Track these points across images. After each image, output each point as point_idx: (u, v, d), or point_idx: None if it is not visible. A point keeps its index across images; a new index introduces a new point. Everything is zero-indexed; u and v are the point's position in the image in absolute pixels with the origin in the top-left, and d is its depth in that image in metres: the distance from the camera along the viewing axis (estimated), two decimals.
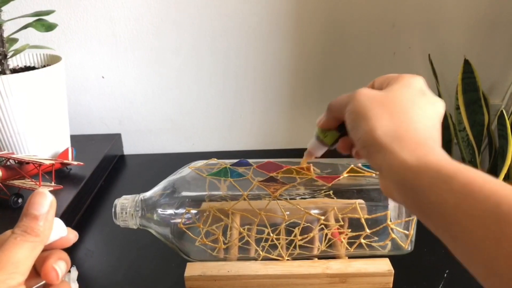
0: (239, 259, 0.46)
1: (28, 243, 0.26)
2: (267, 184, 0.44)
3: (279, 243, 0.45)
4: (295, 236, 0.45)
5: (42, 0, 0.77)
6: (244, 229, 0.44)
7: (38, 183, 0.58)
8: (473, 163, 0.83)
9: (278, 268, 0.45)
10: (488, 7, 0.82)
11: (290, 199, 0.44)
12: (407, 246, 0.46)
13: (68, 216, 0.60)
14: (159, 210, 0.45)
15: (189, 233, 0.44)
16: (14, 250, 0.25)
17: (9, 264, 0.24)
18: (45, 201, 0.27)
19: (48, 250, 0.28)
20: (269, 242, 0.45)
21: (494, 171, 0.85)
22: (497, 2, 0.82)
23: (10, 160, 0.60)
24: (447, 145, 0.88)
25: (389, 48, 0.85)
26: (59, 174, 0.67)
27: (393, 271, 0.45)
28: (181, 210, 0.44)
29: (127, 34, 0.80)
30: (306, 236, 0.45)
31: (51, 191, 0.60)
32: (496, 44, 0.86)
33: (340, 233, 0.46)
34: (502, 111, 0.74)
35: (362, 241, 0.45)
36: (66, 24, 0.79)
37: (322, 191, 0.45)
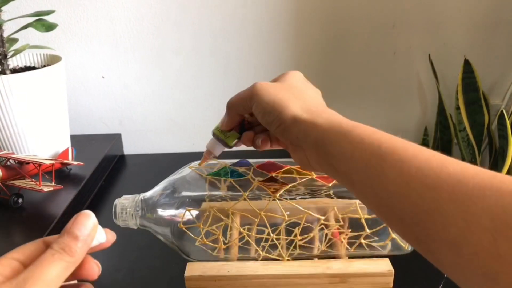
0: (239, 259, 0.46)
1: (63, 262, 0.26)
2: (268, 184, 0.44)
3: (279, 243, 0.45)
4: (295, 236, 0.44)
5: (42, 0, 0.77)
6: (244, 229, 0.44)
7: (38, 183, 0.58)
8: (473, 163, 0.83)
9: (279, 268, 0.45)
10: (489, 7, 0.82)
11: (290, 199, 0.44)
12: (408, 246, 0.46)
13: (68, 216, 0.60)
14: (159, 210, 0.45)
15: (189, 233, 0.44)
16: (48, 267, 0.25)
17: (40, 281, 0.24)
18: (88, 223, 0.28)
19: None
20: (269, 242, 0.45)
21: (494, 171, 0.85)
22: (497, 2, 0.82)
23: (10, 160, 0.60)
24: (447, 145, 0.87)
25: (390, 48, 0.85)
26: (59, 174, 0.67)
27: (393, 271, 0.45)
28: (181, 210, 0.44)
29: (127, 34, 0.80)
30: (306, 236, 0.45)
31: (51, 191, 0.60)
32: (496, 44, 0.86)
33: (340, 233, 0.46)
34: (502, 111, 0.74)
35: (362, 241, 0.45)
36: (66, 24, 0.79)
37: (322, 191, 0.45)
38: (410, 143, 0.29)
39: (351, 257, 0.46)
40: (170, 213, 0.45)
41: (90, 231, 0.28)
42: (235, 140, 0.41)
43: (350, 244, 0.46)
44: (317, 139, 0.33)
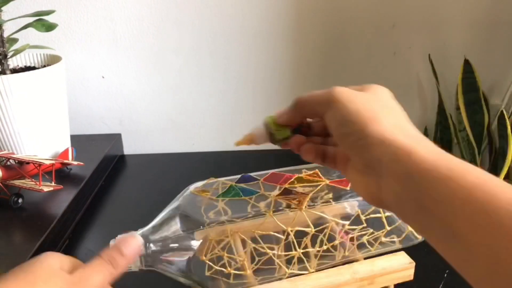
0: (264, 282, 0.43)
1: (107, 271, 0.31)
2: (287, 197, 0.42)
3: (306, 257, 0.43)
4: (320, 246, 0.43)
5: (42, 0, 0.77)
6: (265, 249, 0.41)
7: (38, 183, 0.58)
8: (473, 163, 0.83)
9: (308, 283, 0.43)
10: (488, 8, 0.82)
11: (309, 207, 0.42)
12: (420, 236, 0.46)
13: (68, 216, 0.60)
14: (171, 245, 0.40)
15: (211, 263, 0.40)
16: (96, 271, 0.30)
17: (89, 284, 0.30)
18: (135, 245, 0.34)
19: None
20: (295, 258, 0.42)
21: (494, 171, 0.85)
22: (497, 3, 0.82)
23: (10, 160, 0.60)
24: (447, 145, 0.87)
25: (390, 48, 0.85)
26: (59, 174, 0.67)
27: (414, 263, 0.45)
28: (195, 241, 0.40)
29: (127, 34, 0.80)
30: (331, 244, 0.44)
31: (51, 191, 0.60)
32: (496, 45, 0.86)
33: (362, 235, 0.45)
34: (502, 111, 0.74)
35: (383, 239, 0.45)
36: (66, 24, 0.79)
37: (342, 197, 0.45)
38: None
39: (366, 257, 0.46)
40: (184, 245, 0.40)
41: (134, 252, 0.33)
42: (284, 138, 0.36)
43: (365, 244, 0.45)
44: (411, 170, 0.26)
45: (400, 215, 0.28)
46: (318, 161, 0.35)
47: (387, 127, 0.28)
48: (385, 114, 0.30)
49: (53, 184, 0.61)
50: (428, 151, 0.26)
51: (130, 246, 0.33)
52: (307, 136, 0.37)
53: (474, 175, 0.24)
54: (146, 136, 0.90)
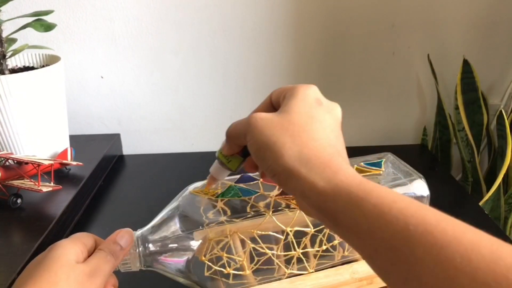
0: (263, 282, 0.43)
1: (111, 263, 0.34)
2: (286, 197, 0.42)
3: (305, 257, 0.43)
4: (320, 246, 0.43)
5: (41, 0, 0.77)
6: (263, 249, 0.41)
7: (37, 183, 0.58)
8: (472, 163, 0.83)
9: (307, 283, 0.43)
10: (488, 8, 0.82)
11: None
12: None
13: (67, 216, 0.59)
14: (170, 245, 0.40)
15: (211, 264, 0.40)
16: (104, 261, 0.34)
17: (103, 274, 0.33)
18: (130, 239, 0.37)
19: None
20: (295, 258, 0.42)
21: (493, 171, 0.85)
22: (496, 3, 0.82)
23: (9, 160, 0.60)
24: (446, 145, 0.88)
25: (389, 48, 0.85)
26: (58, 174, 0.67)
27: None
28: (195, 242, 0.40)
29: (126, 34, 0.80)
30: (330, 244, 0.44)
31: (50, 191, 0.60)
32: (495, 44, 0.86)
33: None
34: (501, 111, 0.74)
35: None
36: (65, 24, 0.79)
37: None
38: (444, 217, 0.23)
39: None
40: (184, 246, 0.40)
41: (129, 245, 0.37)
42: (239, 165, 0.37)
43: None
44: (318, 205, 0.27)
45: None
46: None
47: (291, 161, 0.28)
48: (290, 143, 0.29)
49: (52, 184, 0.60)
50: (328, 182, 0.27)
51: (126, 240, 0.36)
52: None
53: (371, 201, 0.25)
54: (145, 136, 0.90)
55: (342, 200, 0.26)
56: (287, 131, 0.29)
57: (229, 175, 0.40)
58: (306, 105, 0.31)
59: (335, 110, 0.33)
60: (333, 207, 0.26)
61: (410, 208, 0.23)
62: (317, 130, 0.30)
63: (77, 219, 0.63)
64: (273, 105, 0.35)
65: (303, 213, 0.41)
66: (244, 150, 0.36)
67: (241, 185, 0.44)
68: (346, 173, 0.27)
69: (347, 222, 0.25)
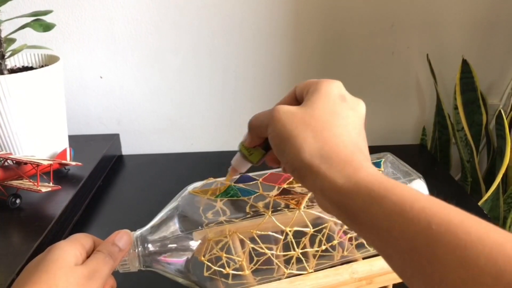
0: (262, 282, 0.43)
1: (109, 264, 0.34)
2: (285, 197, 0.42)
3: (305, 257, 0.43)
4: (319, 246, 0.43)
5: (40, 0, 0.77)
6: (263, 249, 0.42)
7: (36, 183, 0.58)
8: (471, 163, 0.83)
9: (307, 283, 0.43)
10: (487, 8, 0.82)
11: (308, 207, 0.42)
12: None
13: (66, 216, 0.59)
14: (169, 245, 0.40)
15: (210, 264, 0.40)
16: (103, 263, 0.33)
17: (102, 275, 0.33)
18: (128, 240, 0.37)
19: None
20: (294, 258, 0.42)
21: (492, 170, 0.85)
22: (495, 3, 0.82)
23: (8, 161, 0.60)
24: (445, 144, 0.88)
25: (388, 48, 0.85)
26: (57, 174, 0.67)
27: None
28: (194, 242, 0.40)
29: (125, 34, 0.80)
30: (329, 244, 0.44)
31: (49, 192, 0.60)
32: (494, 44, 0.86)
33: (346, 233, 0.45)
34: (500, 111, 0.74)
35: None
36: (64, 24, 0.78)
37: None
38: (467, 216, 0.22)
39: (365, 257, 0.46)
40: (183, 246, 0.40)
41: (127, 246, 0.36)
42: (260, 158, 0.37)
43: (363, 244, 0.45)
44: (337, 202, 0.27)
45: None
46: None
47: (311, 157, 0.28)
48: (312, 138, 0.29)
49: (51, 184, 0.60)
50: (348, 179, 0.26)
51: (125, 241, 0.36)
52: None
53: (392, 199, 0.24)
54: (144, 136, 0.90)
55: (362, 198, 0.25)
56: (309, 126, 0.29)
57: (250, 167, 0.40)
58: (330, 101, 0.31)
59: (358, 107, 0.32)
60: (353, 205, 0.26)
61: (433, 207, 0.23)
62: (340, 126, 0.30)
63: (76, 219, 0.63)
64: (297, 98, 0.34)
65: (303, 213, 0.41)
66: (266, 143, 0.36)
67: (241, 185, 0.44)
68: (367, 170, 0.27)
69: (367, 219, 0.25)
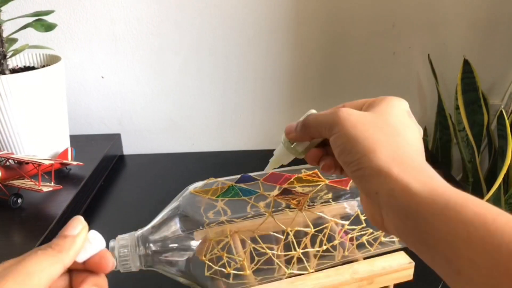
0: (262, 282, 0.43)
1: (48, 256, 0.26)
2: (286, 197, 0.42)
3: (306, 257, 0.43)
4: (320, 246, 0.43)
5: (41, 0, 0.77)
6: (264, 249, 0.42)
7: (37, 183, 0.58)
8: (472, 163, 0.83)
9: (308, 283, 0.43)
10: (488, 8, 0.82)
11: (309, 207, 0.42)
12: None
13: (67, 216, 0.60)
14: (170, 245, 0.40)
15: (211, 264, 0.40)
16: (30, 262, 0.25)
17: (21, 274, 0.24)
18: (78, 225, 0.29)
19: (87, 271, 0.29)
20: (295, 258, 0.42)
21: (493, 171, 0.85)
22: (496, 3, 0.82)
23: (10, 160, 0.60)
24: (446, 145, 0.87)
25: (389, 48, 0.85)
26: (59, 174, 0.67)
27: (413, 263, 0.45)
28: (195, 241, 0.40)
29: (127, 34, 0.80)
30: (330, 244, 0.44)
31: (50, 191, 0.60)
32: (496, 44, 0.86)
33: (362, 235, 0.45)
34: (501, 111, 0.74)
35: (383, 239, 0.45)
36: (65, 24, 0.79)
37: (342, 196, 0.44)
38: None
39: (366, 257, 0.46)
40: (184, 246, 0.40)
41: (79, 231, 0.29)
42: (302, 152, 0.37)
43: (364, 244, 0.45)
44: (407, 206, 0.25)
45: (406, 244, 0.27)
46: (337, 173, 0.35)
47: (383, 158, 0.27)
48: (384, 142, 0.28)
49: (52, 184, 0.61)
50: (423, 185, 0.26)
51: (73, 228, 0.29)
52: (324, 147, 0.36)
53: (472, 209, 0.23)
54: (145, 136, 0.90)
55: (438, 204, 0.24)
56: (381, 129, 0.29)
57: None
58: (400, 112, 0.31)
59: (420, 128, 0.32)
60: (426, 211, 0.25)
61: None
62: (411, 136, 0.30)
63: None
64: None
65: (304, 213, 0.41)
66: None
67: (241, 185, 0.44)
68: (440, 180, 0.27)
69: (440, 228, 0.24)
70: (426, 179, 0.26)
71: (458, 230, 0.23)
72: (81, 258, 0.28)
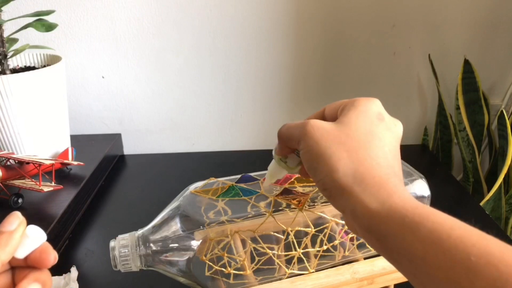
0: (263, 282, 0.43)
1: None
2: (287, 197, 0.42)
3: (306, 257, 0.43)
4: (320, 246, 0.43)
5: (42, 0, 0.77)
6: (265, 249, 0.42)
7: (38, 183, 0.58)
8: (473, 163, 0.83)
9: (308, 283, 0.43)
10: (488, 8, 0.82)
11: (309, 207, 0.42)
12: None
13: (68, 216, 0.60)
14: (170, 245, 0.40)
15: (212, 264, 0.40)
16: None
17: None
18: (15, 220, 0.27)
19: (29, 267, 0.28)
20: (296, 258, 0.42)
21: (494, 171, 0.85)
22: (497, 3, 0.82)
23: (10, 160, 0.60)
24: (447, 145, 0.87)
25: (389, 48, 0.85)
26: (59, 174, 0.67)
27: None
28: (195, 242, 0.40)
29: (127, 34, 0.80)
30: (330, 244, 0.44)
31: (51, 191, 0.60)
32: (496, 44, 0.86)
33: (347, 233, 0.45)
34: (502, 111, 0.74)
35: None
36: (66, 24, 0.79)
37: None
38: (507, 248, 0.21)
39: (366, 257, 0.46)
40: (184, 246, 0.40)
41: (16, 226, 0.27)
42: (297, 164, 0.36)
43: (365, 244, 0.45)
44: (369, 225, 0.26)
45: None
46: None
47: (345, 178, 0.27)
48: (346, 159, 0.28)
49: (53, 184, 0.61)
50: (382, 203, 0.26)
51: (9, 223, 0.27)
52: None
53: (427, 226, 0.23)
54: (146, 136, 0.90)
55: (395, 223, 0.25)
56: (344, 145, 0.28)
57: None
58: (367, 120, 0.30)
59: (396, 128, 0.31)
60: (385, 230, 0.25)
61: (471, 237, 0.22)
62: (376, 147, 0.29)
63: (78, 219, 0.64)
64: (325, 118, 0.33)
65: (304, 213, 0.41)
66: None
67: (242, 185, 0.44)
68: (401, 195, 0.26)
69: (399, 246, 0.24)
70: (384, 197, 0.26)
71: (415, 248, 0.23)
72: (20, 254, 0.27)
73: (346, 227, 0.44)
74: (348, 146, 0.28)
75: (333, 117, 0.32)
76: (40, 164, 0.59)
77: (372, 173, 0.27)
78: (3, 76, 0.57)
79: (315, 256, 0.44)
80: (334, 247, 0.44)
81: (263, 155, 0.80)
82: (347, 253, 0.45)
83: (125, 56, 0.82)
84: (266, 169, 0.40)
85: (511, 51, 0.86)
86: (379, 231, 0.25)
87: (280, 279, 0.43)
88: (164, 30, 0.80)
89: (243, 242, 0.41)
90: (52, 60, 0.71)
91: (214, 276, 0.41)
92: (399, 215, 0.25)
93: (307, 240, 0.42)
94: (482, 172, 0.83)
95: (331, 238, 0.44)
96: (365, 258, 0.46)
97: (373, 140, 0.29)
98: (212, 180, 0.46)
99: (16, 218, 0.28)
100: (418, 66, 0.87)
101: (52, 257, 0.28)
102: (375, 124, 0.30)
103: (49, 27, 0.62)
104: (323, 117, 0.34)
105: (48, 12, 0.63)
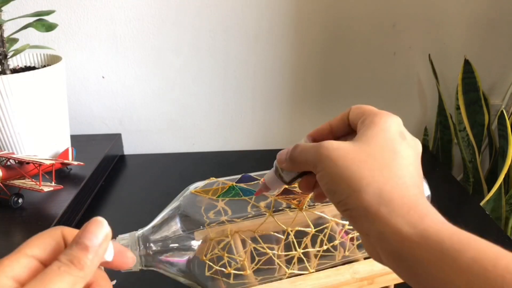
0: (263, 282, 0.43)
1: (70, 276, 0.22)
2: (287, 197, 0.42)
3: (306, 257, 0.43)
4: (321, 246, 0.43)
5: (42, 0, 0.77)
6: (265, 249, 0.42)
7: (38, 183, 0.58)
8: (473, 163, 0.83)
9: (308, 283, 0.43)
10: (489, 8, 0.82)
11: (309, 207, 0.42)
12: None
13: (68, 216, 0.60)
14: (171, 245, 0.40)
15: (212, 264, 0.40)
16: (52, 282, 0.21)
17: None
18: (100, 232, 0.24)
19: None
20: (296, 258, 0.42)
21: (494, 171, 0.85)
22: (497, 3, 0.82)
23: (11, 160, 0.60)
24: (447, 145, 0.88)
25: (390, 48, 0.85)
26: (60, 174, 0.67)
27: None
28: (196, 242, 0.40)
29: (127, 34, 0.80)
30: (331, 244, 0.44)
31: (51, 191, 0.60)
32: (497, 44, 0.86)
33: (347, 233, 0.45)
34: (502, 111, 0.74)
35: None
36: (66, 24, 0.79)
37: None
38: None
39: (366, 257, 0.46)
40: (185, 246, 0.40)
41: (101, 241, 0.24)
42: (294, 179, 0.35)
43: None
44: (400, 249, 0.24)
45: None
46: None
47: (370, 198, 0.25)
48: (370, 178, 0.26)
49: (53, 184, 0.61)
50: (414, 226, 0.24)
51: (94, 236, 0.23)
52: None
53: (470, 255, 0.21)
54: (146, 136, 0.90)
55: (431, 249, 0.22)
56: (365, 164, 0.26)
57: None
58: (389, 138, 0.28)
59: (417, 146, 0.30)
60: (419, 256, 0.23)
61: None
62: (401, 166, 0.27)
63: (78, 219, 0.64)
64: (349, 123, 0.32)
65: (304, 213, 0.41)
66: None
67: (242, 185, 0.44)
68: (434, 218, 0.24)
69: (435, 275, 0.22)
70: (416, 220, 0.24)
71: (456, 278, 0.21)
72: (109, 257, 0.26)
73: (346, 227, 0.44)
74: (370, 165, 0.26)
75: (355, 125, 0.31)
76: (40, 164, 0.59)
77: (400, 193, 0.25)
78: (3, 76, 0.57)
79: (315, 256, 0.44)
80: (334, 247, 0.44)
81: (263, 155, 0.80)
82: (347, 253, 0.45)
83: (125, 56, 0.82)
84: (266, 169, 0.40)
85: (511, 51, 0.86)
86: (410, 257, 0.23)
87: (280, 279, 0.43)
88: (164, 30, 0.80)
89: (243, 242, 0.41)
90: (52, 60, 0.71)
91: (214, 276, 0.41)
92: (435, 240, 0.23)
93: (307, 240, 0.42)
94: (482, 172, 0.83)
95: (331, 238, 0.44)
96: (365, 258, 0.46)
97: (397, 159, 0.27)
98: (212, 180, 0.46)
99: (102, 228, 0.24)
100: (418, 66, 0.87)
101: (130, 256, 0.27)
102: (398, 142, 0.28)
103: (49, 27, 0.62)
104: (347, 121, 0.32)
105: (48, 12, 0.63)
